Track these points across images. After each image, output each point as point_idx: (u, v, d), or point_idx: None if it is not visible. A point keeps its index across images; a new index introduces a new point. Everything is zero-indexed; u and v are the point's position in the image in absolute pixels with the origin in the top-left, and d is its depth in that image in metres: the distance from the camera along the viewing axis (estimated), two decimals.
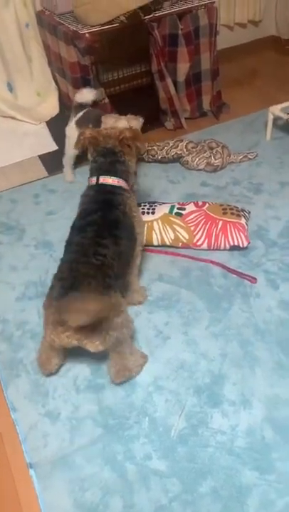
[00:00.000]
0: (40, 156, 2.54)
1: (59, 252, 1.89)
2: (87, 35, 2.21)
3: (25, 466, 1.24)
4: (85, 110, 2.09)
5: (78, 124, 2.09)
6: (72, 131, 2.12)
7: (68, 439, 1.29)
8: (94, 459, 1.24)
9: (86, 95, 2.08)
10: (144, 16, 2.30)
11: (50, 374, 1.42)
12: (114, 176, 1.42)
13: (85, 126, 1.96)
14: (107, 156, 1.43)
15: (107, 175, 1.42)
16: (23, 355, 1.52)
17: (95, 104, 2.36)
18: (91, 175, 1.47)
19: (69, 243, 1.37)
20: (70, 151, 2.19)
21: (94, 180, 1.44)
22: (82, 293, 1.18)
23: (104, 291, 1.24)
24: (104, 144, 1.44)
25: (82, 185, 2.25)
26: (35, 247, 1.95)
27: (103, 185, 1.42)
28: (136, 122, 1.81)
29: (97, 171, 1.44)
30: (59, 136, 2.63)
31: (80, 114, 2.09)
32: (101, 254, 1.28)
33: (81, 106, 2.10)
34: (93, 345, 1.25)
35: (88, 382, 1.42)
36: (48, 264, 1.86)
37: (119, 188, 1.43)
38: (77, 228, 1.37)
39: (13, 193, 2.30)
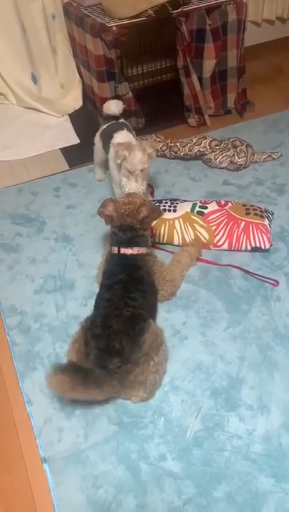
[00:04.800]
0: (61, 149, 2.53)
1: (78, 246, 1.91)
2: (114, 28, 2.19)
3: (39, 461, 1.24)
4: (109, 123, 2.00)
5: (101, 136, 2.02)
6: (96, 141, 2.08)
7: (82, 435, 1.29)
8: (108, 457, 1.23)
9: (111, 107, 1.99)
10: (173, 10, 2.26)
11: None
12: (135, 247, 1.49)
13: (104, 139, 1.95)
14: (126, 232, 1.49)
15: (127, 247, 1.48)
16: (40, 348, 1.51)
17: (118, 98, 2.32)
18: (112, 245, 1.52)
19: (99, 298, 1.43)
20: (97, 158, 2.17)
21: (115, 250, 1.49)
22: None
23: (136, 343, 1.28)
24: (123, 221, 1.49)
25: (105, 181, 2.27)
26: (55, 240, 1.95)
27: (125, 254, 1.48)
28: (151, 151, 1.71)
29: (118, 243, 1.49)
30: (82, 129, 2.64)
31: (105, 126, 2.02)
32: (131, 305, 1.34)
33: (109, 117, 2.03)
34: (138, 397, 1.32)
35: None
36: (66, 258, 1.85)
37: (140, 254, 1.50)
38: (105, 286, 1.44)
39: (34, 186, 2.30)
